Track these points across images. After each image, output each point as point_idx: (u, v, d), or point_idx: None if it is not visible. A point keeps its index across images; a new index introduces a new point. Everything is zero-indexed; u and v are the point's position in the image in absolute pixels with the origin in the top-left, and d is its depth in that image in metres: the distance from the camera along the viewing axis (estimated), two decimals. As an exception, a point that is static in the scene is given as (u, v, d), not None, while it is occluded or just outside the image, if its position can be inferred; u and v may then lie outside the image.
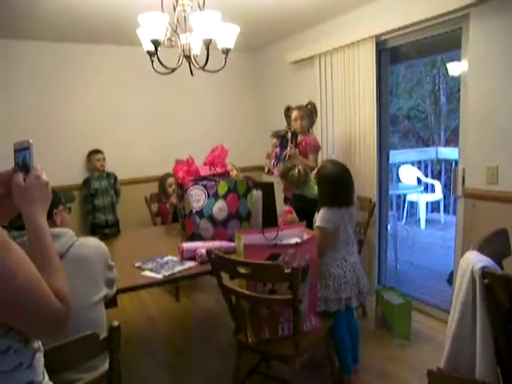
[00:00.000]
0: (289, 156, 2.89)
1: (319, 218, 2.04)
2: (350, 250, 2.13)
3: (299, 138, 2.98)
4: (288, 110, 3.16)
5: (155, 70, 2.16)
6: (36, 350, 0.81)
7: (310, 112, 3.05)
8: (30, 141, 0.89)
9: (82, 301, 1.32)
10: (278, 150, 2.98)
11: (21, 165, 0.89)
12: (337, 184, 2.05)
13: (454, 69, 4.14)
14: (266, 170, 3.08)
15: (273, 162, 3.00)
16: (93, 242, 1.47)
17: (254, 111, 4.56)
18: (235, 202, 2.33)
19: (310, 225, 2.11)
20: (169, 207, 3.36)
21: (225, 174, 2.45)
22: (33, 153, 0.89)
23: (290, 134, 2.94)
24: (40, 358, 0.83)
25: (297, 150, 2.94)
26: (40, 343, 0.84)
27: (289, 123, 3.17)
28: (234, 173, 2.77)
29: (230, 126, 4.39)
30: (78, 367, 1.18)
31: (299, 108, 3.04)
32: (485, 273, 1.24)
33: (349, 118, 3.16)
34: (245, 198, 2.38)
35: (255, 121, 4.56)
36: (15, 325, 0.75)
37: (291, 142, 2.92)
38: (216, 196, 2.30)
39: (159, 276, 1.87)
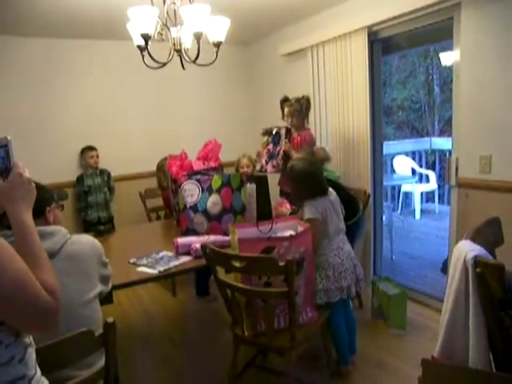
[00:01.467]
0: (284, 151, 2.87)
1: (307, 211, 2.06)
2: (342, 238, 2.15)
3: (293, 134, 2.97)
4: (285, 101, 3.11)
5: (146, 65, 2.15)
6: (27, 345, 0.82)
7: (300, 107, 3.01)
8: (9, 137, 0.89)
9: (77, 298, 1.32)
10: (270, 146, 2.96)
11: (1, 162, 0.89)
12: (311, 176, 2.11)
13: (447, 59, 4.15)
14: (259, 167, 3.05)
15: (265, 159, 2.98)
16: (86, 239, 1.47)
17: (246, 105, 4.55)
18: (229, 196, 2.34)
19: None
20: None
21: (218, 168, 2.45)
22: (12, 150, 0.89)
23: (284, 130, 2.94)
24: (32, 353, 0.84)
25: (290, 145, 2.94)
26: (31, 338, 0.85)
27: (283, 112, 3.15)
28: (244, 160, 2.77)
29: (222, 120, 4.37)
30: (74, 364, 1.18)
31: (291, 104, 2.99)
32: (477, 262, 1.26)
33: (342, 110, 3.15)
34: (239, 191, 2.38)
35: (248, 114, 4.54)
36: (6, 319, 0.76)
37: (286, 138, 2.92)
38: (210, 190, 2.30)
39: (154, 271, 1.88)
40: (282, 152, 2.86)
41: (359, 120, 3.01)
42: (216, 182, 2.31)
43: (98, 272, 1.46)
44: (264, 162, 2.96)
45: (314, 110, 3.38)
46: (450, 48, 2.56)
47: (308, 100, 3.04)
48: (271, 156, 2.94)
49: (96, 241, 1.50)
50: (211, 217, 2.30)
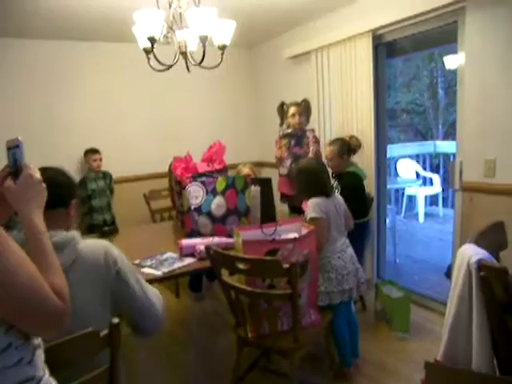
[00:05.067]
0: (314, 153, 3.00)
1: (310, 209, 2.07)
2: (345, 241, 2.17)
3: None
4: (282, 107, 3.18)
5: (151, 67, 2.16)
6: (36, 347, 0.83)
7: (305, 109, 3.08)
8: (20, 138, 0.89)
9: (87, 316, 1.17)
10: (296, 149, 3.07)
11: (12, 163, 0.90)
12: (317, 175, 2.14)
13: (451, 62, 4.14)
14: (286, 171, 3.11)
15: (290, 161, 3.06)
16: (96, 246, 1.26)
17: (251, 107, 4.57)
18: (233, 198, 2.34)
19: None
20: None
21: (223, 171, 2.45)
22: (23, 150, 0.90)
23: (311, 133, 3.06)
24: (40, 355, 0.84)
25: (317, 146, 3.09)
26: (40, 340, 0.85)
27: (282, 119, 3.18)
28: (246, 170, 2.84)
29: (226, 122, 4.40)
30: (78, 365, 1.18)
31: (297, 104, 3.07)
32: (481, 265, 1.26)
33: (346, 113, 3.16)
34: (243, 193, 2.38)
35: (252, 116, 4.57)
36: (16, 322, 0.76)
37: (313, 140, 3.06)
38: (214, 192, 2.30)
39: (159, 273, 1.88)
40: (311, 153, 2.98)
41: (363, 123, 3.01)
42: (220, 184, 2.32)
43: (111, 287, 1.24)
44: (289, 164, 3.02)
45: (318, 113, 3.39)
46: (454, 51, 2.56)
47: (309, 103, 3.15)
48: (297, 158, 3.00)
49: (107, 244, 1.29)
50: (215, 219, 2.31)
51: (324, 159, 2.82)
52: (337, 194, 2.23)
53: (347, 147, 2.78)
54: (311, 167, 2.17)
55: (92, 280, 1.20)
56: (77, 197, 1.33)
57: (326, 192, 2.12)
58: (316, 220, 2.03)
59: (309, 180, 2.14)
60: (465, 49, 2.40)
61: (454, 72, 2.60)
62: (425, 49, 3.39)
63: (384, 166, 3.20)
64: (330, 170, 2.60)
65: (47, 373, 0.86)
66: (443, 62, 4.97)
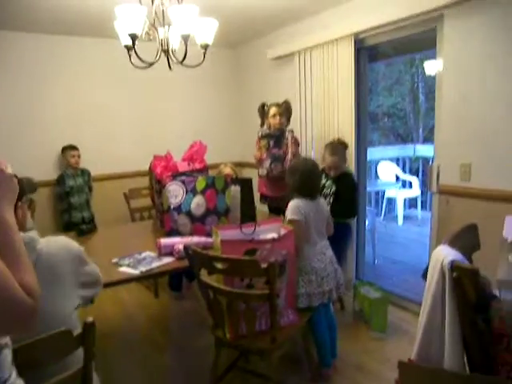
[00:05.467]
0: (293, 154, 2.99)
1: (290, 210, 2.09)
2: (325, 243, 2.19)
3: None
4: (263, 107, 3.19)
5: (133, 65, 2.14)
6: (2, 347, 0.81)
7: (286, 110, 3.10)
8: None
9: (56, 312, 1.20)
10: (275, 150, 3.06)
11: None
12: (310, 177, 2.15)
13: (431, 68, 4.23)
14: (265, 172, 3.10)
15: (269, 162, 3.06)
16: (59, 244, 1.28)
17: (233, 107, 4.56)
18: (213, 197, 2.34)
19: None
20: None
21: (203, 170, 2.44)
22: None
23: (290, 134, 3.05)
24: (7, 355, 0.82)
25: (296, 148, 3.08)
26: (8, 339, 0.83)
27: (263, 120, 3.19)
28: (227, 170, 2.83)
29: (208, 122, 4.38)
30: (51, 364, 1.16)
31: (278, 105, 3.08)
32: (454, 266, 1.28)
33: (327, 115, 3.19)
34: (223, 193, 2.39)
35: (234, 117, 4.57)
36: None
37: (292, 141, 3.04)
38: (194, 192, 2.30)
39: (136, 272, 1.87)
40: (290, 155, 2.98)
41: (344, 125, 3.05)
42: (200, 183, 2.32)
43: (77, 279, 1.30)
44: (269, 165, 3.00)
45: (300, 115, 3.42)
46: (434, 57, 2.62)
47: (290, 104, 3.15)
48: (276, 159, 3.01)
49: (71, 242, 1.33)
50: (195, 218, 2.30)
51: (321, 164, 2.82)
52: (322, 200, 2.26)
53: (346, 151, 2.86)
54: (307, 168, 2.17)
55: (56, 277, 1.22)
56: (25, 198, 1.27)
57: (312, 194, 2.15)
58: (294, 222, 2.05)
59: (302, 180, 2.14)
60: (443, 55, 2.45)
61: (433, 77, 2.65)
62: (406, 54, 3.46)
63: (364, 168, 3.24)
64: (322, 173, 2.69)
65: (14, 374, 0.83)
66: (423, 68, 5.08)
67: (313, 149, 3.39)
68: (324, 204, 2.25)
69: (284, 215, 2.19)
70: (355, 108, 2.98)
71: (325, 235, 2.21)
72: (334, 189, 2.76)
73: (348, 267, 3.06)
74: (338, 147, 2.84)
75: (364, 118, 3.16)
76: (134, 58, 2.09)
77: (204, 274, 1.87)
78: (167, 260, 2.01)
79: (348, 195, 2.75)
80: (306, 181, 2.14)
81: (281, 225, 2.07)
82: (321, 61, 3.18)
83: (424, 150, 6.05)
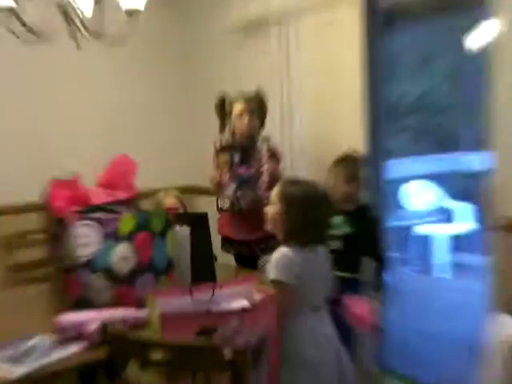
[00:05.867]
0: (270, 175, 2.96)
1: (275, 264, 2.02)
2: (324, 317, 2.13)
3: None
4: (223, 103, 3.17)
5: (16, 36, 2.12)
6: None
7: (258, 106, 3.08)
8: None
9: None
10: (242, 170, 3.06)
11: None
12: (314, 211, 2.09)
13: (482, 37, 4.34)
14: (228, 203, 3.05)
15: (233, 188, 3.03)
16: None
17: (179, 104, 4.60)
18: (147, 245, 2.32)
19: None
20: None
21: (131, 202, 2.42)
22: None
23: (263, 143, 3.06)
24: None
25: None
26: None
27: (224, 122, 3.17)
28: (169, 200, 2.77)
29: (140, 127, 4.37)
30: None
31: (246, 99, 3.05)
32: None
33: (322, 113, 3.23)
34: (162, 238, 2.37)
35: (180, 119, 4.61)
36: None
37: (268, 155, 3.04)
38: (116, 237, 2.26)
39: (17, 371, 1.75)
40: (266, 176, 2.96)
41: (348, 127, 3.07)
42: (127, 223, 2.28)
43: None
44: (233, 192, 3.00)
45: (281, 113, 3.43)
46: (487, 18, 2.64)
47: (263, 96, 3.15)
48: (243, 182, 3.01)
49: None
50: (119, 278, 2.25)
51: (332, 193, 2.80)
52: (322, 249, 2.19)
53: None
54: (313, 197, 2.11)
55: None
56: None
57: (316, 242, 2.11)
58: (281, 285, 1.99)
59: (304, 217, 2.06)
60: (502, 13, 2.44)
61: (484, 52, 2.69)
62: (442, 17, 3.52)
63: (381, 193, 3.26)
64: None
65: None
66: (471, 37, 5.22)
67: (303, 168, 3.38)
68: (324, 255, 2.19)
69: (259, 269, 2.15)
70: (366, 100, 3.00)
71: (323, 305, 2.15)
72: (347, 230, 2.73)
73: (363, 350, 3.01)
74: (356, 168, 2.81)
75: (378, 114, 3.18)
76: (15, 26, 2.08)
77: (133, 370, 1.81)
78: (73, 349, 1.92)
79: (372, 240, 2.72)
80: (311, 219, 2.07)
81: (255, 286, 2.05)
82: (312, 32, 3.22)
83: (477, 161, 6.13)
